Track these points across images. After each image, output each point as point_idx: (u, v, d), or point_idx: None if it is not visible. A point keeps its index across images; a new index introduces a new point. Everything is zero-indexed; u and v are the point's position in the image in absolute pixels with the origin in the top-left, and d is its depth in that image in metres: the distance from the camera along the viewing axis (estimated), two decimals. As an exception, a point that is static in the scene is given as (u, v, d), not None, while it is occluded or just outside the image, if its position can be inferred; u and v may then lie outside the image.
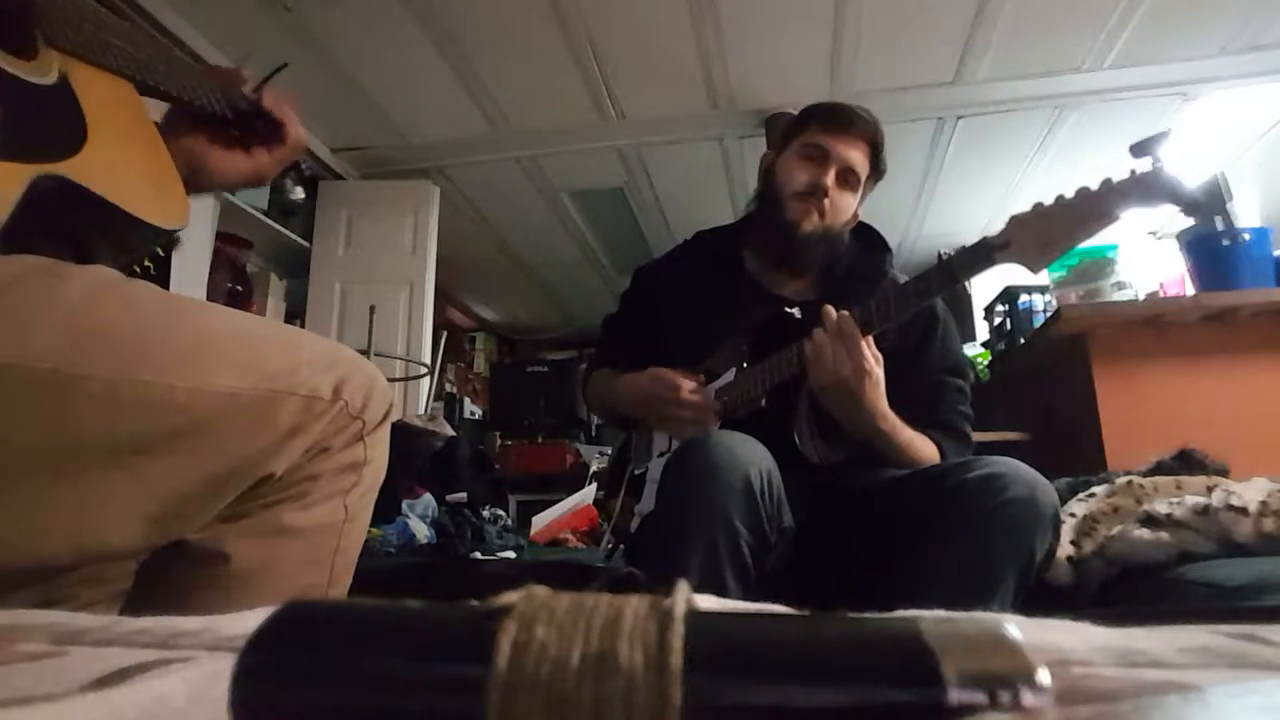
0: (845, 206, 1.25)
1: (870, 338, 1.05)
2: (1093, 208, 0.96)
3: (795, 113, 1.35)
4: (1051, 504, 0.91)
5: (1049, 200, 0.99)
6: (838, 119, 1.24)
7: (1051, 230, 0.97)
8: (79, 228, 0.65)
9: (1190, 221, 2.36)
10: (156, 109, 0.77)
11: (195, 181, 0.78)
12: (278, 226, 3.24)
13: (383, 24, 2.50)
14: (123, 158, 0.67)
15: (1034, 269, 1.00)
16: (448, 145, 3.27)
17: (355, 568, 0.71)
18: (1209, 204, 0.89)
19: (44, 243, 0.60)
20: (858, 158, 1.23)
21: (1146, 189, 0.93)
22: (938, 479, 0.99)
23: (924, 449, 1.13)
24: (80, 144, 0.62)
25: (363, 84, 2.84)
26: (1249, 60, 2.73)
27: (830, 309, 1.06)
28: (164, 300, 0.62)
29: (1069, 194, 0.97)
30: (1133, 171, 0.94)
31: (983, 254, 1.02)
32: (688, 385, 1.19)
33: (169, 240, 0.75)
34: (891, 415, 1.09)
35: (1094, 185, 0.96)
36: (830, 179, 1.22)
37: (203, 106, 0.77)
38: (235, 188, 0.83)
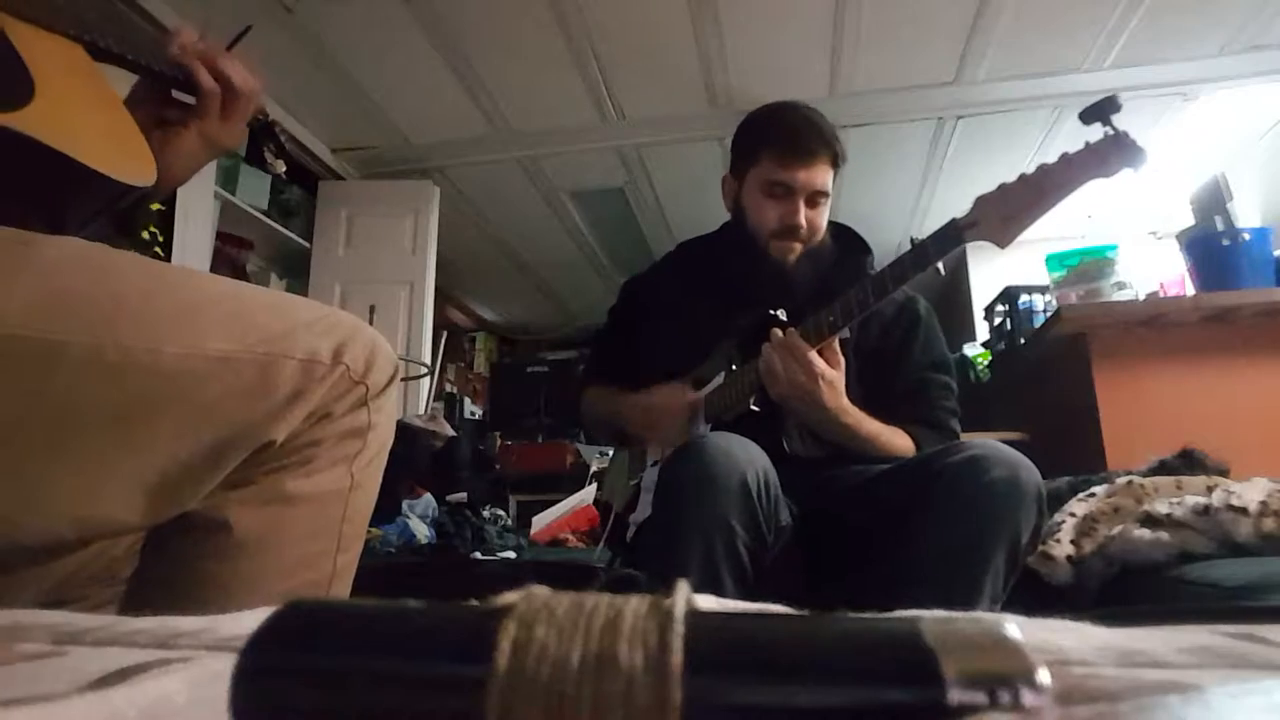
0: (821, 221, 1.24)
1: (835, 339, 1.09)
2: (1051, 181, 1.00)
3: None
4: (1035, 483, 0.92)
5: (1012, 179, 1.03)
6: (796, 151, 1.19)
7: (1014, 205, 1.02)
8: (39, 187, 0.61)
9: (1191, 220, 2.36)
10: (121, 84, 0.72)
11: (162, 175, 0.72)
12: (278, 226, 3.24)
13: (383, 24, 2.50)
14: (78, 114, 0.63)
15: (1001, 244, 1.04)
16: (448, 145, 3.27)
17: (354, 568, 0.69)
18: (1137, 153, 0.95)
19: (5, 204, 0.57)
20: (822, 177, 1.20)
21: (1101, 158, 0.98)
22: (922, 465, 1.01)
23: (895, 439, 1.15)
24: (27, 98, 0.58)
25: (363, 84, 2.84)
26: (1249, 60, 2.73)
27: (776, 330, 1.10)
28: (144, 265, 0.60)
29: (1030, 170, 1.02)
30: (1087, 143, 0.99)
31: (952, 233, 1.06)
32: (690, 398, 1.21)
33: (141, 201, 0.70)
34: (854, 410, 1.11)
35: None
36: (801, 212, 1.20)
37: (161, 72, 0.73)
38: (197, 165, 0.77)
